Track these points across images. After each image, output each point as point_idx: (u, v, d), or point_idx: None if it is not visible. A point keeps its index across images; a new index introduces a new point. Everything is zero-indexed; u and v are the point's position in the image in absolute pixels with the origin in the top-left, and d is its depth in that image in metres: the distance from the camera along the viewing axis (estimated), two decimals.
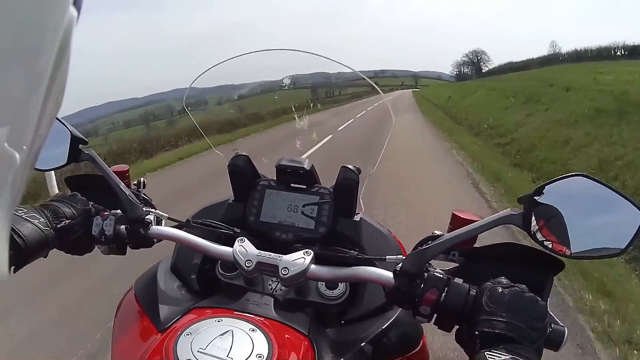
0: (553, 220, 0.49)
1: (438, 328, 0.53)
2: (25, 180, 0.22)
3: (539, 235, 0.50)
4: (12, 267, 0.52)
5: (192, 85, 0.85)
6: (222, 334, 0.48)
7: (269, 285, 0.69)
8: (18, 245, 0.52)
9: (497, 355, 0.42)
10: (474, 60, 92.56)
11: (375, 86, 0.94)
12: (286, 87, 1.10)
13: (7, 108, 0.19)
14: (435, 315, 0.52)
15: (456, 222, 0.62)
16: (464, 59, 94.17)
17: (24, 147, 0.20)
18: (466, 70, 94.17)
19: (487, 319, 0.46)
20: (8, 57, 0.18)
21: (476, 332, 0.46)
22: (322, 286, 0.67)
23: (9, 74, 0.19)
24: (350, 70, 0.87)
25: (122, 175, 0.72)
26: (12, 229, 0.51)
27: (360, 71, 0.88)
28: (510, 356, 0.42)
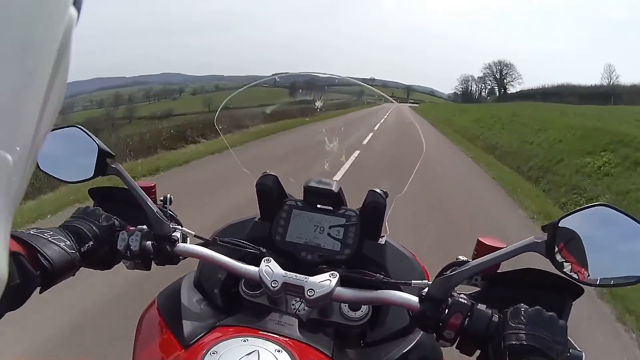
0: (574, 248, 0.51)
1: (460, 352, 0.54)
2: (24, 184, 0.21)
3: (559, 261, 0.52)
4: (39, 288, 0.54)
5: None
6: (248, 354, 0.48)
7: (292, 304, 0.69)
8: (44, 267, 0.53)
9: None
10: (497, 76, 71.57)
11: (390, 99, 0.99)
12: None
13: (4, 109, 0.18)
14: (458, 339, 0.53)
15: (481, 248, 0.64)
16: (485, 70, 75.08)
17: (18, 149, 0.20)
18: (474, 88, 76.84)
19: (513, 333, 0.47)
20: (8, 57, 0.18)
21: (505, 344, 0.47)
22: (344, 307, 0.68)
23: (8, 74, 0.18)
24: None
25: (149, 191, 0.73)
26: (39, 251, 0.53)
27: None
28: None
